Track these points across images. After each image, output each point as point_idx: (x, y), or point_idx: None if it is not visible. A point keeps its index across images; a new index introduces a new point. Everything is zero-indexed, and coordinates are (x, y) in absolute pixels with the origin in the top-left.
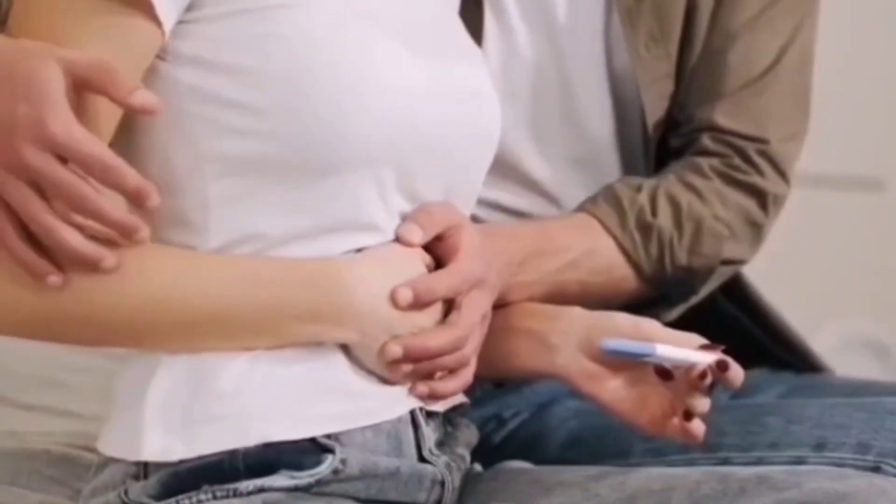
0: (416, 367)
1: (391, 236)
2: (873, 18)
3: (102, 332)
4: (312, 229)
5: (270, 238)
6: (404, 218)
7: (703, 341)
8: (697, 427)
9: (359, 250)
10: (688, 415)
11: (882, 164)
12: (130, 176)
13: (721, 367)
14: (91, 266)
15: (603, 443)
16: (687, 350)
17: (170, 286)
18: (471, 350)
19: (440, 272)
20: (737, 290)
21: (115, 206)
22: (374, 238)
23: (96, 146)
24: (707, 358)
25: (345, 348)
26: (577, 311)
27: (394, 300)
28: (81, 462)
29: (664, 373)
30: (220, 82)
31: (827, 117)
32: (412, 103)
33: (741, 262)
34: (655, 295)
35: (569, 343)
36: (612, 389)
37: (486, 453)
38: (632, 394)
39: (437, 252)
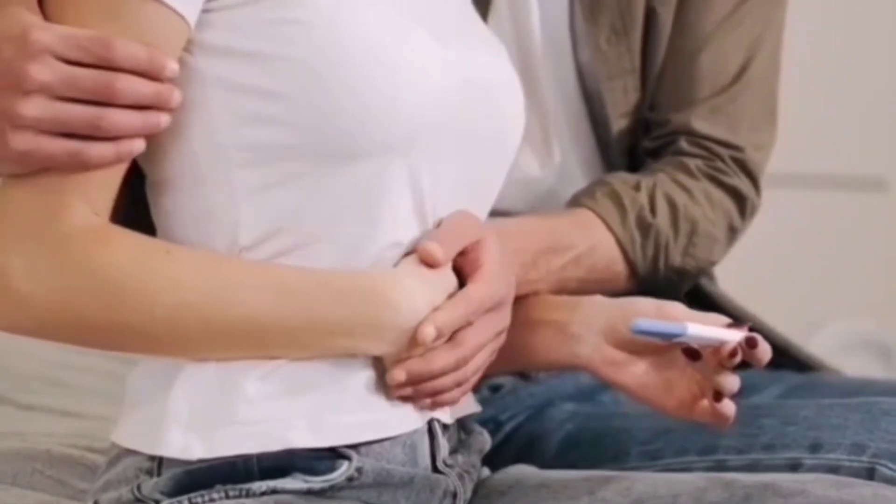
0: (417, 388)
1: (413, 228)
2: (873, 18)
3: (136, 340)
4: (336, 220)
5: (299, 232)
6: (425, 208)
7: (728, 320)
8: (728, 407)
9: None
10: (717, 395)
11: (884, 164)
12: (139, 46)
13: (750, 343)
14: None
15: (599, 445)
16: (716, 328)
17: (202, 294)
18: (472, 369)
19: (460, 299)
20: (701, 295)
21: (138, 80)
22: (396, 230)
23: (87, 31)
24: (736, 336)
25: (371, 357)
26: (597, 300)
27: (419, 338)
28: (83, 462)
29: (692, 353)
30: (242, 70)
31: (828, 117)
32: (435, 91)
33: (714, 265)
34: (638, 292)
35: (590, 332)
36: (638, 375)
37: (484, 456)
38: (658, 379)
39: (459, 263)
